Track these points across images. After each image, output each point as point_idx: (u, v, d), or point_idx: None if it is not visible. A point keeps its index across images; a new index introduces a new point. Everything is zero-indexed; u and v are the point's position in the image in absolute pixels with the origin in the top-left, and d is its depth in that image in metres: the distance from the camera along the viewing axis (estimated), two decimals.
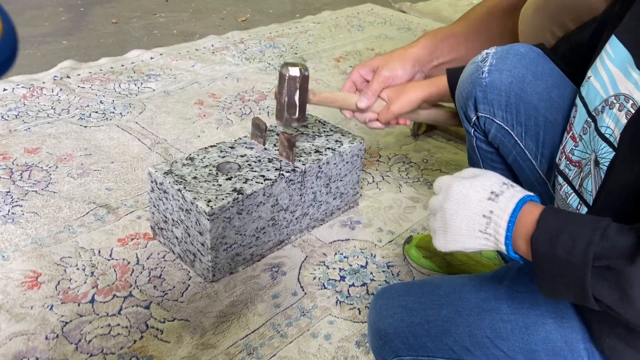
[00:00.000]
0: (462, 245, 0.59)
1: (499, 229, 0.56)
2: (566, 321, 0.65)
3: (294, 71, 0.94)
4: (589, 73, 0.71)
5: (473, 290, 0.73)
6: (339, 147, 1.19)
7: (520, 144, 0.86)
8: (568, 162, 0.72)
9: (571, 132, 0.74)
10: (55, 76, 1.82)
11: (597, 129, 0.66)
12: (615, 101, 0.63)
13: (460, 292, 0.73)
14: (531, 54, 0.83)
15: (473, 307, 0.71)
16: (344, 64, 2.12)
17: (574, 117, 0.73)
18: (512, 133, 0.85)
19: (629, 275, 0.48)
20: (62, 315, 0.95)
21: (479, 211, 0.56)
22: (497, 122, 0.85)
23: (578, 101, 0.72)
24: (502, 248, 0.57)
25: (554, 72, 0.84)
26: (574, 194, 0.70)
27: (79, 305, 0.97)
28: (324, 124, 1.29)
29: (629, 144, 0.59)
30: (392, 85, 0.98)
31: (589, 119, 0.69)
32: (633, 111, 0.60)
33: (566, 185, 0.72)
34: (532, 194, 0.57)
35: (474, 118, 0.86)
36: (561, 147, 0.76)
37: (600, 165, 0.64)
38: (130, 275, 1.05)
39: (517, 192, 0.56)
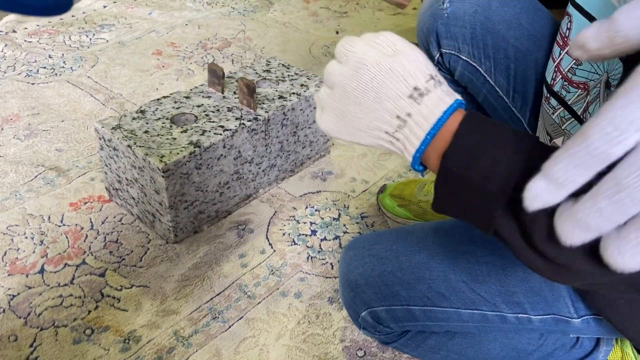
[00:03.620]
0: (355, 139, 0.46)
1: (413, 139, 0.42)
2: None
3: None
4: None
5: (447, 234, 0.68)
6: (304, 91, 1.10)
7: (490, 81, 0.78)
8: (566, 83, 0.64)
9: (555, 63, 0.67)
10: (0, 31, 1.67)
11: None
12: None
13: (433, 237, 0.68)
14: None
15: (447, 251, 0.66)
16: (314, 5, 1.99)
17: (568, 29, 0.65)
18: (480, 69, 0.78)
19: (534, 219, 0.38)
20: (9, 288, 0.88)
21: (393, 110, 0.42)
22: (463, 58, 0.77)
23: (572, 10, 0.63)
24: (407, 158, 0.45)
25: None
26: (573, 119, 0.63)
27: (27, 276, 0.90)
28: (288, 68, 1.19)
29: None
30: None
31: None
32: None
33: (562, 109, 0.65)
34: (459, 97, 0.43)
35: (437, 56, 0.78)
36: (554, 65, 0.68)
37: (612, 88, 0.56)
38: (84, 241, 0.97)
39: (444, 96, 0.42)
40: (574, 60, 0.64)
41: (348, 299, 0.74)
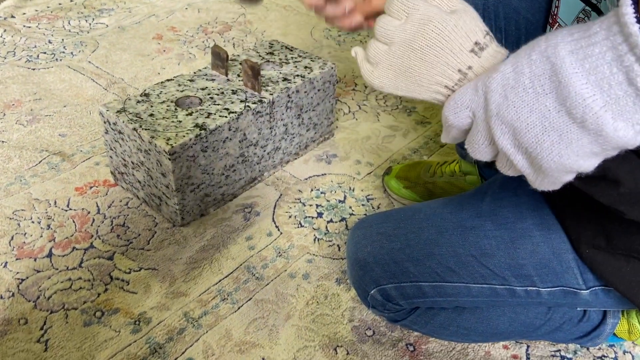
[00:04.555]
0: (412, 94, 0.47)
1: None
2: (553, 232, 0.61)
3: None
4: None
5: (454, 210, 0.68)
6: (308, 73, 1.10)
7: None
8: None
9: (555, 26, 0.66)
10: None
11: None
12: None
13: (441, 214, 0.69)
14: None
15: (456, 226, 0.66)
16: None
17: (557, 7, 0.65)
18: None
19: None
20: (18, 272, 0.88)
21: (455, 64, 0.44)
22: None
23: None
24: None
25: None
26: None
27: (35, 260, 0.90)
28: (292, 50, 1.18)
29: None
30: None
31: (587, 8, 0.61)
32: None
33: None
34: (508, 52, 0.46)
35: None
36: None
37: None
38: (91, 225, 0.97)
39: (499, 49, 0.45)
40: None
41: (357, 278, 0.74)
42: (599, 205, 0.55)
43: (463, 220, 0.66)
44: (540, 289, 0.63)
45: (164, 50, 1.53)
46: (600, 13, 0.58)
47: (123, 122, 0.93)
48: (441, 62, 0.44)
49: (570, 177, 0.39)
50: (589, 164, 0.37)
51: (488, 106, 0.39)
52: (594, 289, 0.62)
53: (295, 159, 1.17)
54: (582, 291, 0.62)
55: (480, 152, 0.42)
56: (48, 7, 1.74)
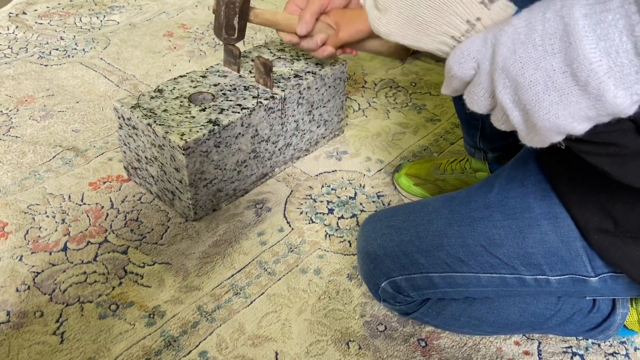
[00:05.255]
0: (417, 43, 0.47)
1: None
2: (561, 220, 0.62)
3: None
4: None
5: (463, 202, 0.69)
6: (319, 70, 1.10)
7: None
8: None
9: None
10: (11, 13, 1.66)
11: None
12: None
13: (449, 206, 0.69)
14: None
15: (464, 217, 0.67)
16: None
17: None
18: None
19: None
20: (33, 266, 0.89)
21: (464, 14, 0.43)
22: None
23: None
24: None
25: None
26: None
27: (50, 254, 0.91)
28: None
29: None
30: (331, 8, 0.88)
31: None
32: None
33: None
34: (516, 7, 0.46)
35: None
36: None
37: None
38: (105, 220, 0.98)
39: (508, 3, 0.44)
40: None
41: (367, 271, 0.75)
42: (603, 187, 0.55)
43: (471, 212, 0.67)
44: (550, 278, 0.63)
45: (175, 47, 1.54)
46: None
47: (137, 117, 0.94)
48: (450, 11, 0.43)
49: (560, 138, 0.40)
50: (582, 127, 0.38)
51: (494, 58, 0.39)
52: (602, 275, 0.62)
53: (306, 155, 1.18)
54: (591, 278, 0.62)
55: (478, 104, 0.43)
56: (59, 4, 1.75)
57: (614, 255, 0.58)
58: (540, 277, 0.63)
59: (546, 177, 0.64)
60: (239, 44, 1.56)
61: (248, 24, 0.93)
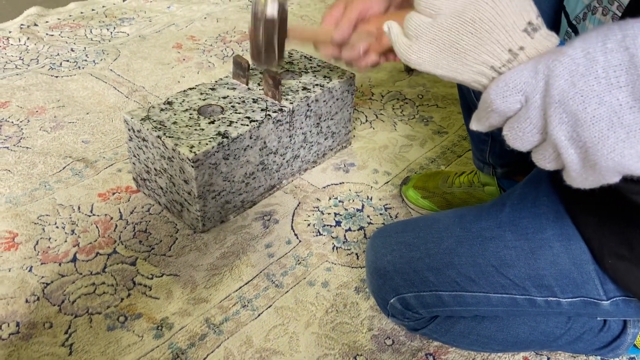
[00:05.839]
0: (453, 74, 0.43)
1: None
2: (573, 243, 0.61)
3: (272, 10, 0.80)
4: None
5: (474, 220, 0.68)
6: (327, 83, 1.11)
7: None
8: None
9: None
10: (22, 24, 1.69)
11: None
12: (598, 5, 0.56)
13: (460, 223, 0.69)
14: None
15: (475, 236, 0.66)
16: None
17: (560, 29, 0.66)
18: None
19: None
20: (43, 277, 0.89)
21: (506, 42, 0.40)
22: None
23: (562, 15, 0.65)
24: None
25: None
26: None
27: (60, 265, 0.92)
28: (310, 59, 1.20)
29: None
30: (370, 16, 0.88)
31: (569, 29, 0.62)
32: (620, 13, 0.52)
33: None
34: (559, 38, 0.43)
35: None
36: None
37: None
38: (114, 231, 0.99)
39: (550, 33, 0.41)
40: None
41: (376, 287, 0.74)
42: (622, 213, 0.55)
43: (483, 230, 0.67)
44: (561, 300, 0.63)
45: (184, 59, 1.55)
46: (577, 34, 0.59)
47: (147, 129, 0.94)
48: (492, 38, 0.40)
49: (618, 179, 0.37)
50: None
51: (549, 91, 0.36)
52: (614, 299, 0.62)
53: (313, 167, 1.18)
54: (603, 302, 0.62)
55: (522, 140, 0.39)
56: (70, 15, 1.77)
57: (627, 280, 0.57)
58: (552, 298, 0.63)
59: (560, 199, 0.63)
60: (246, 57, 1.57)
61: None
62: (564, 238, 0.62)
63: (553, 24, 0.76)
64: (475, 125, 0.43)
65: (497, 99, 0.38)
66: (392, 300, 0.73)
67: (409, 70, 1.55)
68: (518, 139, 0.39)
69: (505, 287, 0.65)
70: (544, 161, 0.39)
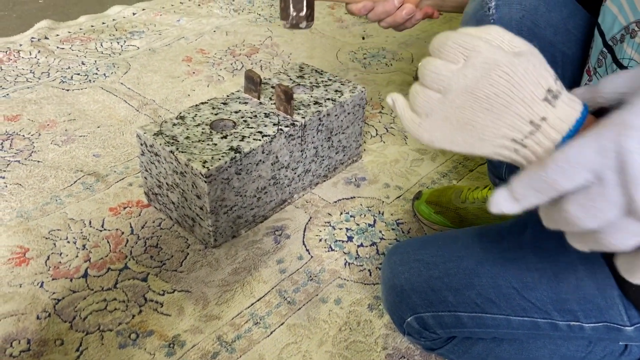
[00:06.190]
0: (472, 150, 0.40)
1: (547, 143, 0.38)
2: (597, 267, 0.60)
3: None
4: None
5: (495, 240, 0.67)
6: (339, 97, 1.11)
7: None
8: None
9: (587, 65, 0.67)
10: (33, 38, 1.70)
11: (615, 61, 0.58)
12: (637, 28, 0.55)
13: (480, 243, 0.68)
14: None
15: (496, 257, 0.65)
16: (340, 12, 2.00)
17: (592, 48, 0.66)
18: None
19: None
20: (54, 292, 0.89)
21: (527, 114, 0.38)
22: None
23: (595, 31, 0.64)
24: None
25: (567, 0, 0.76)
26: None
27: (71, 280, 0.91)
28: (321, 74, 1.20)
29: None
30: None
31: (604, 50, 0.61)
32: None
33: None
34: (581, 102, 0.40)
35: None
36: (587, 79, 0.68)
37: None
38: (125, 246, 0.98)
39: (572, 97, 0.39)
40: (588, 77, 0.65)
41: (392, 305, 0.73)
42: None
43: (504, 251, 0.65)
44: (584, 325, 0.62)
45: (194, 72, 1.56)
46: (614, 55, 0.59)
47: (160, 144, 0.94)
48: (510, 112, 0.38)
49: None
50: None
51: (627, 170, 0.33)
52: (638, 325, 0.61)
53: (324, 181, 1.18)
54: (627, 327, 0.61)
55: (596, 218, 0.35)
56: (80, 29, 1.78)
57: None
58: (574, 323, 0.62)
59: None
60: (255, 71, 1.57)
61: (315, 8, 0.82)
62: (588, 262, 0.61)
63: (585, 39, 0.76)
64: (509, 209, 0.38)
65: (562, 180, 0.34)
66: (409, 319, 0.72)
67: None
68: (591, 216, 0.35)
69: (527, 310, 0.64)
70: (624, 239, 0.35)
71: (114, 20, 1.84)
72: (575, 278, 0.61)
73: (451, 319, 0.68)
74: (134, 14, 1.89)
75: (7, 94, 1.42)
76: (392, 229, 1.06)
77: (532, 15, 0.74)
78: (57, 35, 1.73)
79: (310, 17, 0.81)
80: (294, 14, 0.79)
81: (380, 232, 1.05)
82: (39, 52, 1.62)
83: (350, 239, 1.03)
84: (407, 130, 0.43)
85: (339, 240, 1.03)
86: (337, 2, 0.81)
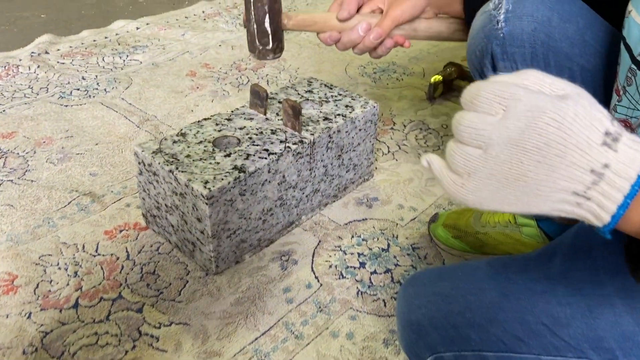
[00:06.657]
0: (527, 208, 0.37)
1: (614, 193, 0.35)
2: (637, 301, 0.53)
3: None
4: (630, 6, 0.57)
5: (520, 271, 0.60)
6: (350, 112, 1.04)
7: None
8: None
9: (616, 84, 0.60)
10: (33, 52, 1.65)
11: None
12: None
13: (504, 274, 0.61)
14: None
15: (522, 289, 0.58)
16: None
17: (619, 64, 0.59)
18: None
19: None
20: (42, 324, 0.82)
21: (586, 162, 0.34)
22: None
23: (622, 45, 0.58)
24: (604, 219, 0.36)
25: (583, 10, 0.70)
26: None
27: (60, 311, 0.84)
28: (331, 88, 1.13)
29: None
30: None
31: (633, 66, 0.55)
32: None
33: None
34: None
35: None
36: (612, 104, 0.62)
37: None
38: (120, 272, 0.91)
39: (633, 137, 0.36)
40: (617, 97, 0.58)
41: (409, 342, 0.66)
42: None
43: (530, 283, 0.59)
44: None
45: (198, 87, 1.50)
46: None
47: (159, 163, 0.88)
48: (566, 162, 0.34)
49: None
50: None
51: None
52: None
53: (334, 201, 1.11)
54: None
55: None
56: (82, 43, 1.74)
57: None
58: None
59: (619, 250, 0.56)
60: (265, 87, 1.52)
61: (285, 38, 0.83)
62: (627, 295, 0.54)
63: (606, 51, 0.70)
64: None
65: None
66: (428, 359, 0.65)
67: (432, 98, 1.48)
68: None
69: (560, 349, 0.57)
70: None
71: (117, 34, 1.80)
72: (613, 314, 0.54)
73: (475, 358, 0.61)
74: (137, 28, 1.84)
75: (4, 110, 1.36)
76: (408, 254, 0.98)
77: (546, 27, 0.68)
78: (58, 49, 1.69)
79: (277, 49, 0.81)
80: (260, 47, 0.80)
81: (394, 257, 0.98)
82: (38, 66, 1.57)
83: (362, 265, 0.96)
84: (449, 194, 0.38)
85: (351, 267, 0.95)
86: (309, 32, 0.79)
